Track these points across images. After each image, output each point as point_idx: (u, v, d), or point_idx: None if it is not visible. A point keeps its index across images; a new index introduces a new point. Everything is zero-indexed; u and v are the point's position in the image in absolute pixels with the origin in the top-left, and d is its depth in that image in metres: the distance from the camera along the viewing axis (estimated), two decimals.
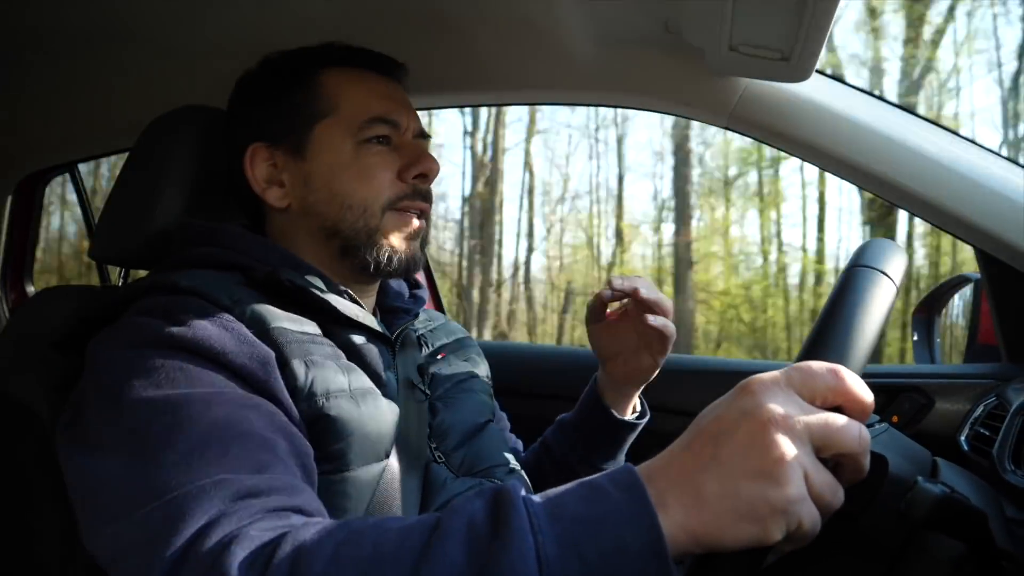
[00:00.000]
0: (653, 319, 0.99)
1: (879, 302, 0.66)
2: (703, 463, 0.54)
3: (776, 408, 0.53)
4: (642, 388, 1.12)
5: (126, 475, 0.66)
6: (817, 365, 0.57)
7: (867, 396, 0.56)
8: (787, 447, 0.52)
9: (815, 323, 0.66)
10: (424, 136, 1.04)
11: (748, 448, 0.53)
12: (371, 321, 0.94)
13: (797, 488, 0.52)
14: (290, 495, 0.66)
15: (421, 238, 1.02)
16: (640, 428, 1.14)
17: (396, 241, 0.97)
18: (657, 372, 1.08)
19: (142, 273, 1.11)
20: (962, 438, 1.22)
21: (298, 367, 0.80)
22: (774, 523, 0.51)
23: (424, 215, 1.01)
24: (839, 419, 0.55)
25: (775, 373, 0.56)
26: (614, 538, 0.52)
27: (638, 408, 1.15)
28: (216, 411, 0.70)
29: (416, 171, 0.98)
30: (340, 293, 0.93)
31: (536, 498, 0.56)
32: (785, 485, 0.51)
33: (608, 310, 1.08)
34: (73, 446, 0.74)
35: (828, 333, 0.64)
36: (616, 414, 1.11)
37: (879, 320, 0.65)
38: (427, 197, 1.00)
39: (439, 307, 2.13)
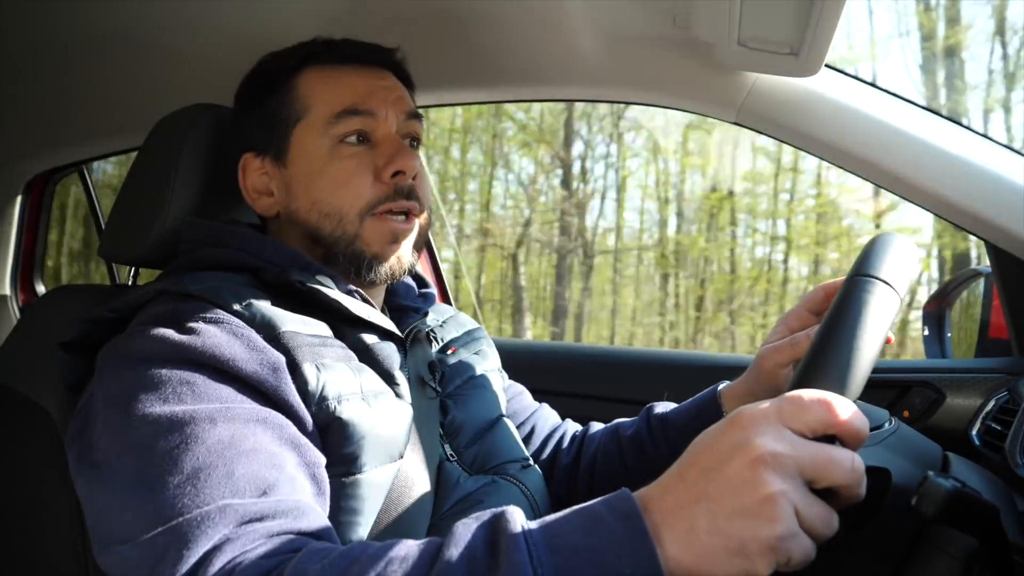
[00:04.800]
0: None
1: (879, 318, 0.65)
2: (695, 497, 0.54)
3: (766, 445, 0.53)
4: None
5: (132, 496, 0.67)
6: (808, 396, 0.57)
7: (860, 425, 0.56)
8: (776, 485, 0.52)
9: (812, 341, 0.65)
10: (416, 116, 1.01)
11: (737, 486, 0.53)
12: (382, 320, 0.93)
13: (785, 526, 0.52)
14: (295, 518, 0.66)
15: (418, 238, 0.99)
16: None
17: (377, 248, 0.94)
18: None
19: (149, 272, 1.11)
20: (973, 432, 1.21)
21: (309, 371, 0.80)
22: (763, 559, 0.52)
23: (410, 214, 0.96)
24: (830, 452, 0.55)
25: (766, 406, 0.56)
26: (612, 569, 0.53)
27: None
28: (222, 429, 0.70)
29: (391, 169, 0.93)
30: (350, 293, 0.93)
31: (535, 527, 0.57)
32: (774, 523, 0.52)
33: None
34: (82, 459, 0.75)
35: (824, 355, 0.63)
36: None
37: (879, 337, 0.64)
38: (410, 195, 0.95)
39: (446, 299, 2.14)
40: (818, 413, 0.56)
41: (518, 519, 0.57)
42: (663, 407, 1.14)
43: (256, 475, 0.68)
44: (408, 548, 0.59)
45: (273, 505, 0.66)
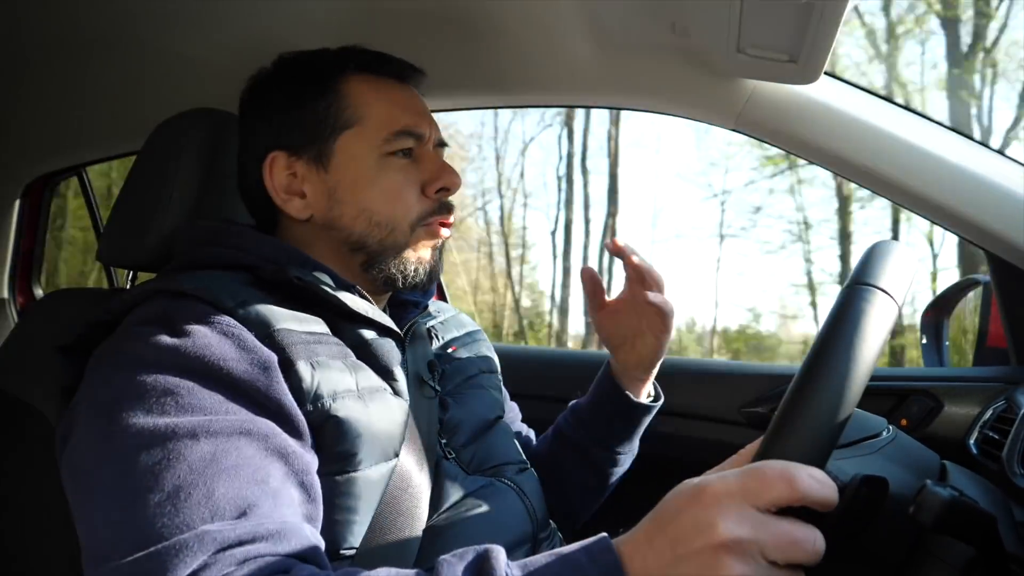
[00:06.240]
0: (653, 296, 1.01)
1: (876, 329, 0.64)
2: (663, 566, 0.57)
3: (728, 531, 0.55)
4: (655, 371, 1.13)
5: (111, 513, 0.66)
6: (771, 472, 0.57)
7: (825, 494, 0.56)
8: (736, 570, 0.54)
9: (808, 354, 0.64)
10: (443, 144, 1.04)
11: (699, 569, 0.55)
12: (380, 316, 0.93)
13: None
14: (275, 542, 0.66)
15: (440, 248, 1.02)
16: (655, 410, 1.15)
17: (423, 253, 0.98)
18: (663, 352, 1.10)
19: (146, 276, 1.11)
20: (971, 441, 1.21)
21: (304, 369, 0.79)
22: None
23: (447, 227, 1.00)
24: (792, 533, 0.56)
25: (731, 483, 0.57)
26: None
27: (651, 392, 1.16)
28: (204, 445, 0.69)
29: (439, 185, 0.97)
30: (349, 289, 0.92)
31: (517, 571, 0.59)
32: None
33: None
34: (69, 466, 0.74)
35: (817, 373, 0.62)
36: (633, 397, 1.12)
37: (875, 349, 0.63)
38: (451, 209, 1.00)
39: (443, 300, 2.14)
40: (780, 491, 0.56)
41: (502, 562, 0.60)
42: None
43: (237, 494, 0.67)
44: None
45: (253, 529, 0.65)
